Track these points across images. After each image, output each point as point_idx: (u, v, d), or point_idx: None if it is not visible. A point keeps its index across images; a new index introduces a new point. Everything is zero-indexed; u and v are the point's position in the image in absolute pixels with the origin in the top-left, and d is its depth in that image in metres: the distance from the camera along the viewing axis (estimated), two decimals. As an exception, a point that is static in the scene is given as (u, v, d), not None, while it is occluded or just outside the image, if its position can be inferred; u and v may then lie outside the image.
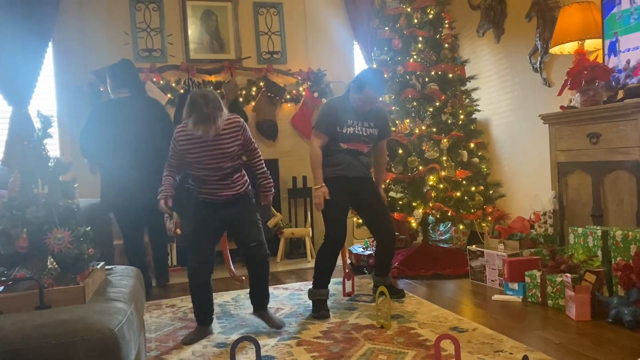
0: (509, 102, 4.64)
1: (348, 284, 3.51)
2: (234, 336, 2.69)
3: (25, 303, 1.63)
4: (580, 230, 3.06)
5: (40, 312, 1.60)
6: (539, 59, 4.16)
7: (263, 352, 2.36)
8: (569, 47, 3.58)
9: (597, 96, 3.26)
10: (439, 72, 4.16)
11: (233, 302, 3.40)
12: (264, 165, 2.89)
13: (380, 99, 3.18)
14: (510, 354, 2.31)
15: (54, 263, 1.80)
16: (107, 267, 2.22)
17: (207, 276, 2.75)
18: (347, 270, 3.64)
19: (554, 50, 3.67)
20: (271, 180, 2.91)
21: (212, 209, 2.77)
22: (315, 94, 5.03)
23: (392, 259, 3.43)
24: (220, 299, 3.46)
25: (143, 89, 4.02)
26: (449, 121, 4.10)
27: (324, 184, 3.10)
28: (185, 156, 2.67)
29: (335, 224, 3.11)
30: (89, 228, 1.99)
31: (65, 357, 1.44)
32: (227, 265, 3.84)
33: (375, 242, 3.43)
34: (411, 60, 4.17)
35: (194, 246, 2.77)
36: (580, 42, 3.45)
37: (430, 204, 3.90)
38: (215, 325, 2.91)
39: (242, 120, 2.75)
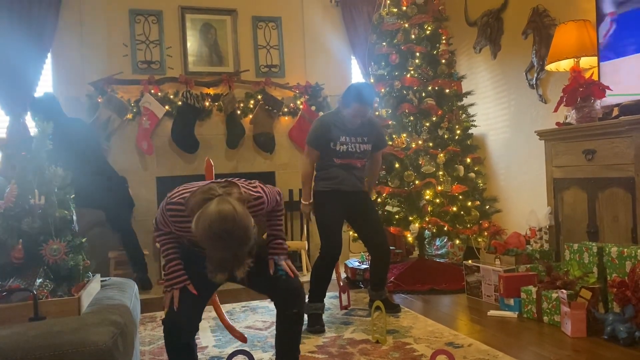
0: (505, 118, 4.67)
1: (344, 297, 3.50)
2: (228, 350, 2.67)
3: (19, 314, 1.62)
4: (575, 246, 3.06)
5: (35, 323, 1.59)
6: (535, 75, 4.20)
7: (258, 366, 2.35)
8: (565, 65, 3.61)
9: (592, 113, 3.29)
10: (436, 88, 4.19)
11: (228, 315, 3.37)
12: (281, 223, 2.19)
13: (370, 110, 3.16)
14: (506, 370, 2.31)
15: (49, 274, 1.79)
16: (102, 279, 2.21)
17: (187, 338, 2.05)
18: (341, 284, 3.63)
19: (550, 67, 3.70)
20: (284, 242, 2.17)
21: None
22: (313, 108, 5.05)
23: (387, 273, 3.43)
24: (214, 312, 3.44)
25: (63, 117, 4.11)
26: (446, 136, 4.13)
27: (311, 201, 3.19)
28: (177, 231, 1.97)
29: (330, 237, 3.11)
30: (84, 239, 1.98)
31: (58, 370, 1.43)
32: (226, 325, 2.90)
33: (370, 256, 3.43)
34: (408, 75, 4.20)
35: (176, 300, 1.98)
36: (575, 59, 3.48)
37: (427, 219, 3.90)
38: (210, 339, 2.89)
39: (264, 194, 1.98)
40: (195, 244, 1.96)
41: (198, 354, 2.34)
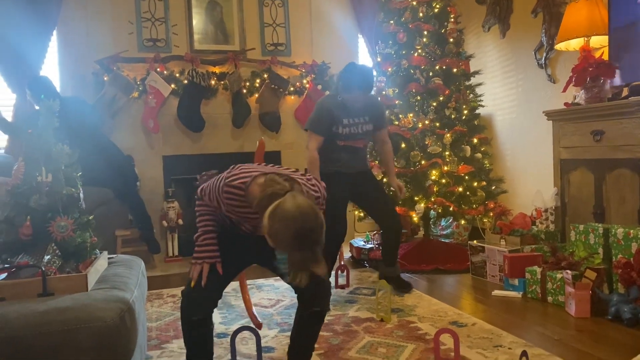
0: (513, 98, 4.62)
1: (343, 277, 3.52)
2: (234, 327, 2.70)
3: (28, 290, 1.64)
4: (581, 227, 3.06)
5: (43, 299, 1.61)
6: (544, 55, 4.14)
7: (263, 343, 2.38)
8: (575, 44, 3.56)
9: (601, 93, 3.25)
10: (444, 67, 4.15)
11: (234, 292, 3.41)
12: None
13: (371, 92, 3.15)
14: (509, 349, 2.32)
15: (57, 251, 1.81)
16: (109, 256, 2.23)
17: (204, 312, 1.98)
18: (342, 263, 3.64)
19: (560, 46, 3.65)
20: None
21: (242, 237, 2.03)
22: (319, 87, 5.01)
23: (398, 246, 3.42)
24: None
25: (58, 97, 3.99)
26: (453, 116, 4.10)
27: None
28: (228, 212, 1.91)
29: (335, 218, 3.13)
30: (91, 217, 2.00)
31: (67, 344, 1.45)
32: (248, 310, 2.87)
33: (381, 232, 3.43)
34: (416, 54, 4.16)
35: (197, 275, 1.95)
36: (586, 38, 3.44)
37: (432, 199, 3.90)
38: (216, 316, 2.92)
39: (320, 193, 1.93)
40: (237, 223, 1.95)
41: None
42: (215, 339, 2.53)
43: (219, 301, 2.01)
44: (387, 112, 3.76)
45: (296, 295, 2.03)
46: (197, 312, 1.94)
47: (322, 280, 1.96)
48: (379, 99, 3.43)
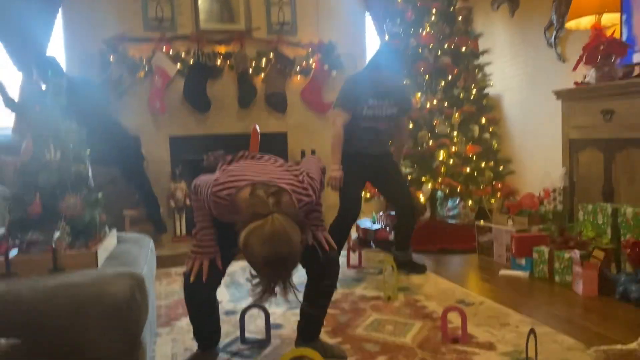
0: (522, 77, 4.57)
1: (355, 257, 3.53)
2: (243, 304, 2.71)
3: (38, 266, 1.65)
4: (590, 207, 3.04)
5: (54, 275, 1.62)
6: (554, 34, 4.09)
7: (272, 320, 2.39)
8: (585, 22, 3.51)
9: (612, 72, 3.21)
10: (452, 45, 4.11)
11: (242, 271, 3.42)
12: (319, 196, 1.99)
13: (398, 76, 3.16)
14: (517, 327, 2.33)
15: (67, 228, 1.81)
16: (118, 234, 2.24)
17: (207, 293, 2.03)
18: (352, 243, 3.65)
19: (570, 24, 3.60)
20: (321, 214, 2.09)
21: None
22: (325, 67, 4.97)
23: (411, 233, 3.37)
24: (229, 268, 3.48)
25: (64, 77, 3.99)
26: (461, 96, 4.07)
27: (340, 167, 3.08)
28: (219, 216, 1.91)
29: (350, 199, 3.15)
30: (100, 194, 2.00)
31: (78, 320, 1.46)
32: None
33: (397, 215, 3.42)
34: (424, 32, 4.11)
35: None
36: (597, 16, 3.38)
37: (440, 179, 3.89)
38: (225, 294, 2.94)
39: (313, 193, 1.85)
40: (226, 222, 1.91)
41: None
42: (224, 317, 2.56)
43: (227, 279, 2.02)
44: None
45: (305, 271, 2.04)
46: (201, 293, 1.98)
47: (332, 257, 1.99)
48: (406, 86, 3.41)
